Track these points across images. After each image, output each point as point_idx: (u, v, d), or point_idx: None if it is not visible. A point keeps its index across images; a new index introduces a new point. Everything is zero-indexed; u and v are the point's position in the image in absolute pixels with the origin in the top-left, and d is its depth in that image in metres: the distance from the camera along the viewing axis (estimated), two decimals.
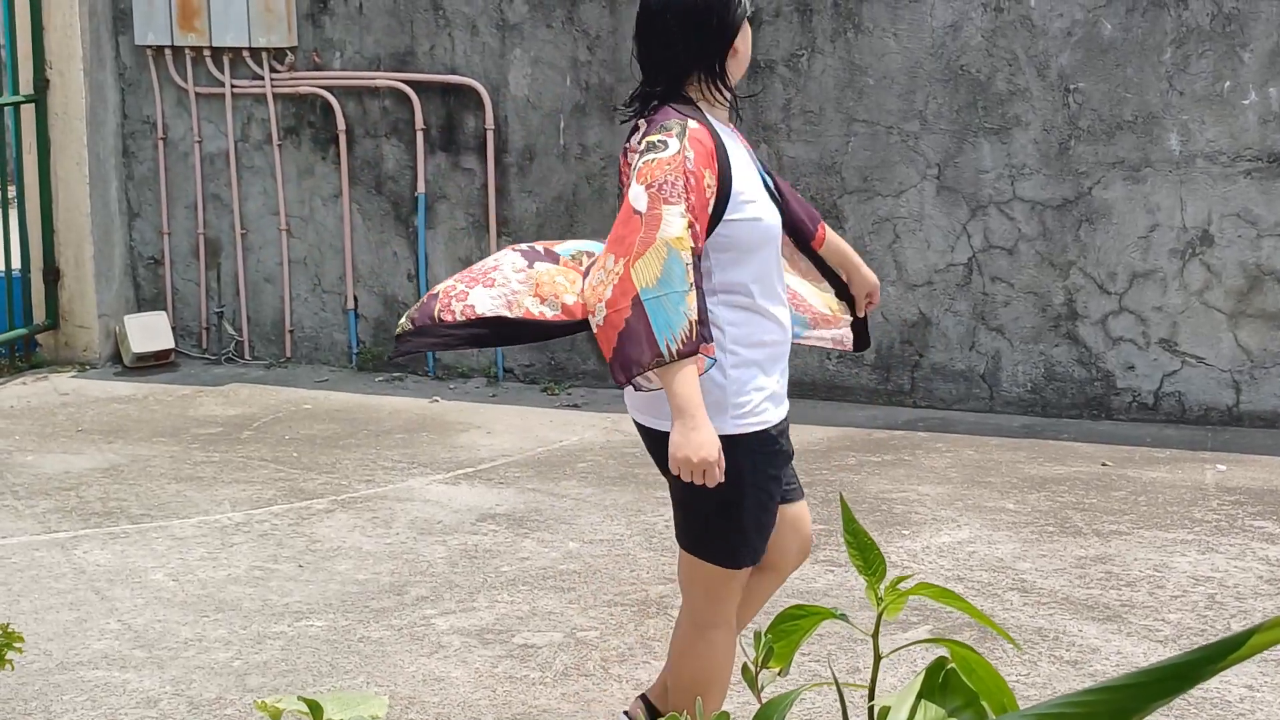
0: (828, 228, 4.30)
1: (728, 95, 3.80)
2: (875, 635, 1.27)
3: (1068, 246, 8.47)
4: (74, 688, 5.05)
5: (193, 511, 6.93)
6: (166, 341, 10.07)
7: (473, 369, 9.81)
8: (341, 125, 9.84)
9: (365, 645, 5.35)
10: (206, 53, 9.99)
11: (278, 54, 9.94)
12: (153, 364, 9.98)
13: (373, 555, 6.31)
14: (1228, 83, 8.12)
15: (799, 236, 4.18)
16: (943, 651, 1.22)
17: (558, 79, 9.45)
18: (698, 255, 3.57)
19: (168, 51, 10.07)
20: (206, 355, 10.37)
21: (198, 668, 5.17)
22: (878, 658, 1.28)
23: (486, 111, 9.53)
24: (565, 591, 5.85)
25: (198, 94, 10.13)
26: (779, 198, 3.99)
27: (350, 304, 10.05)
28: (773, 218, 3.81)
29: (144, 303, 10.46)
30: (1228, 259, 8.21)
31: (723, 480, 3.54)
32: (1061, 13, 8.36)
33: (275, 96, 9.98)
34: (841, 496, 1.23)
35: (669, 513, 6.82)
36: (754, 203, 3.74)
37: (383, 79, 9.73)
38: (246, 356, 10.33)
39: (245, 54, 9.94)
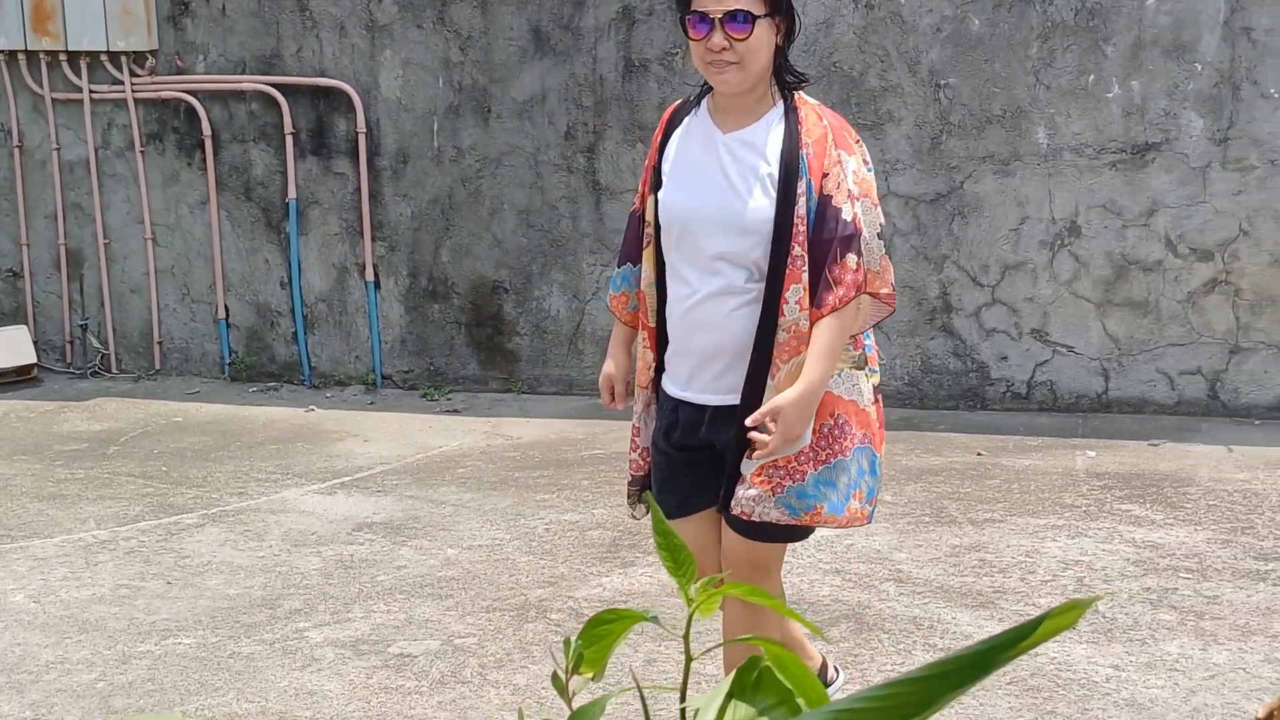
0: (835, 317, 3.72)
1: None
2: (686, 637, 1.23)
3: (941, 240, 8.53)
4: None
5: (55, 530, 6.76)
6: (28, 356, 9.85)
7: (350, 376, 9.70)
8: (207, 130, 9.68)
9: (236, 661, 5.24)
10: (63, 57, 9.80)
11: (138, 58, 9.77)
12: (14, 379, 9.76)
13: (244, 569, 6.20)
14: (1092, 76, 8.21)
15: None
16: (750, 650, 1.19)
17: (430, 80, 9.36)
18: (635, 211, 4.12)
19: (21, 56, 9.85)
20: (71, 369, 10.17)
21: (59, 691, 5.04)
22: (688, 660, 1.24)
23: (357, 114, 9.42)
24: (443, 599, 5.78)
25: (54, 100, 9.93)
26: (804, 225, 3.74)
27: (221, 313, 9.90)
28: (678, 206, 3.86)
29: (3, 316, 10.24)
30: (1095, 249, 8.30)
31: (608, 402, 4.22)
32: (931, 9, 8.41)
33: (136, 102, 9.81)
34: (649, 496, 1.18)
35: (549, 516, 6.81)
36: (665, 185, 3.92)
37: (249, 82, 9.59)
38: (113, 370, 10.15)
39: (104, 58, 9.75)
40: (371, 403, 9.29)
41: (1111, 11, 8.13)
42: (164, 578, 6.12)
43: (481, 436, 8.39)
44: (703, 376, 3.88)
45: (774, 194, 3.74)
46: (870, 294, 3.81)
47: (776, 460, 3.77)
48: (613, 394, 4.17)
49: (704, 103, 3.95)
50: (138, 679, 5.12)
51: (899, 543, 6.23)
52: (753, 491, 3.81)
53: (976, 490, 6.95)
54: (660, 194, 3.92)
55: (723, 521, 3.97)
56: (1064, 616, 0.90)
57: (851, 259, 3.71)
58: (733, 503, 3.86)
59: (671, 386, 3.97)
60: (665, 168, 3.94)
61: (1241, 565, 5.82)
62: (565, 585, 5.87)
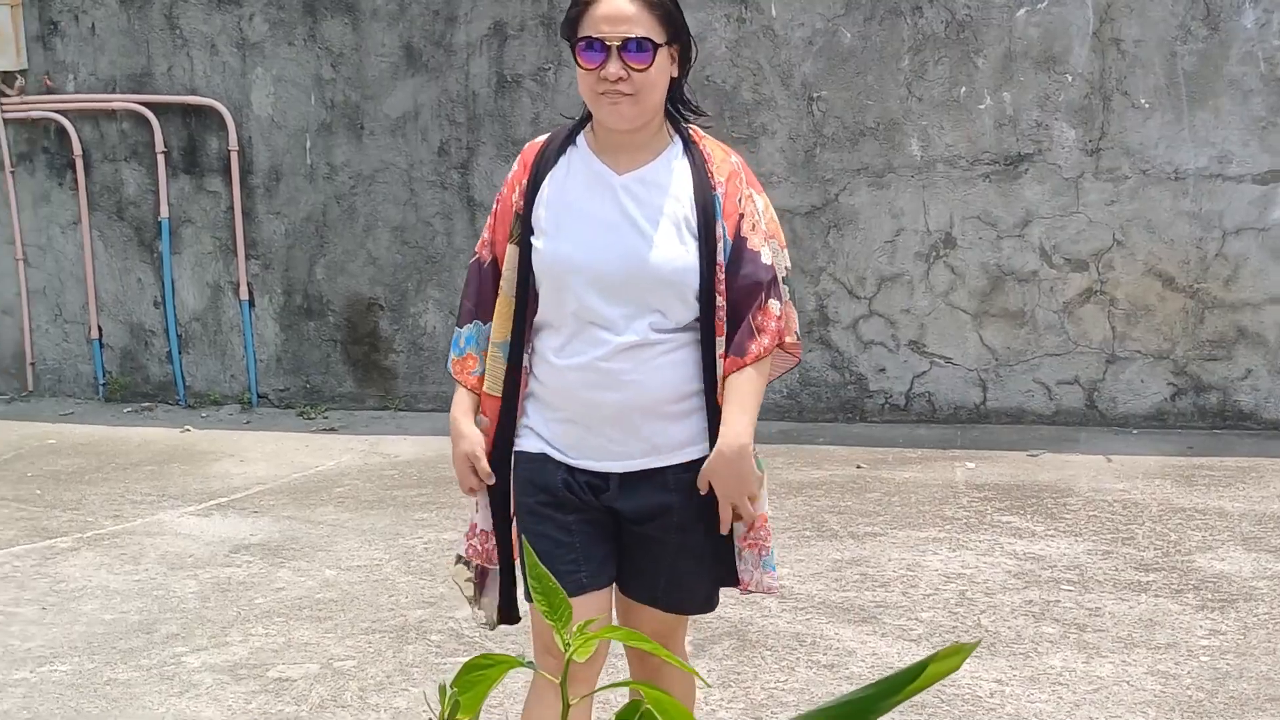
0: (756, 367, 3.40)
1: (594, 116, 3.45)
2: (563, 683, 1.21)
3: (817, 253, 8.57)
4: None
5: None
6: None
7: (226, 396, 9.57)
8: (78, 150, 9.53)
9: (112, 688, 5.14)
10: None
11: (7, 77, 9.59)
12: None
13: (120, 593, 6.08)
14: (964, 88, 8.30)
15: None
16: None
17: (302, 97, 9.27)
18: (482, 262, 3.58)
19: None
20: None
21: None
22: (565, 706, 1.22)
23: (230, 132, 9.31)
24: (321, 621, 5.70)
25: None
26: (726, 262, 3.37)
27: (94, 334, 9.74)
28: (568, 258, 3.36)
29: None
30: (970, 260, 8.38)
31: (475, 485, 3.60)
32: (802, 22, 8.46)
33: (6, 122, 9.64)
34: (523, 540, 1.16)
35: (428, 535, 6.74)
36: (546, 233, 3.42)
37: (119, 101, 9.45)
38: None
39: None
40: (247, 422, 9.16)
41: (982, 24, 8.23)
42: (39, 603, 5.99)
43: (359, 455, 8.31)
44: (597, 441, 3.43)
45: (693, 239, 3.36)
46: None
47: (754, 522, 3.47)
48: (477, 472, 3.57)
49: (580, 140, 3.49)
50: (13, 708, 5.00)
51: (780, 558, 6.23)
52: (746, 557, 3.50)
53: (857, 503, 6.97)
54: (540, 245, 3.41)
55: (631, 601, 3.56)
56: (949, 660, 0.89)
57: (774, 305, 3.40)
58: (740, 575, 3.51)
59: (553, 453, 3.48)
60: (540, 214, 3.44)
61: (1122, 576, 5.88)
62: (445, 606, 5.81)
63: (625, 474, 3.44)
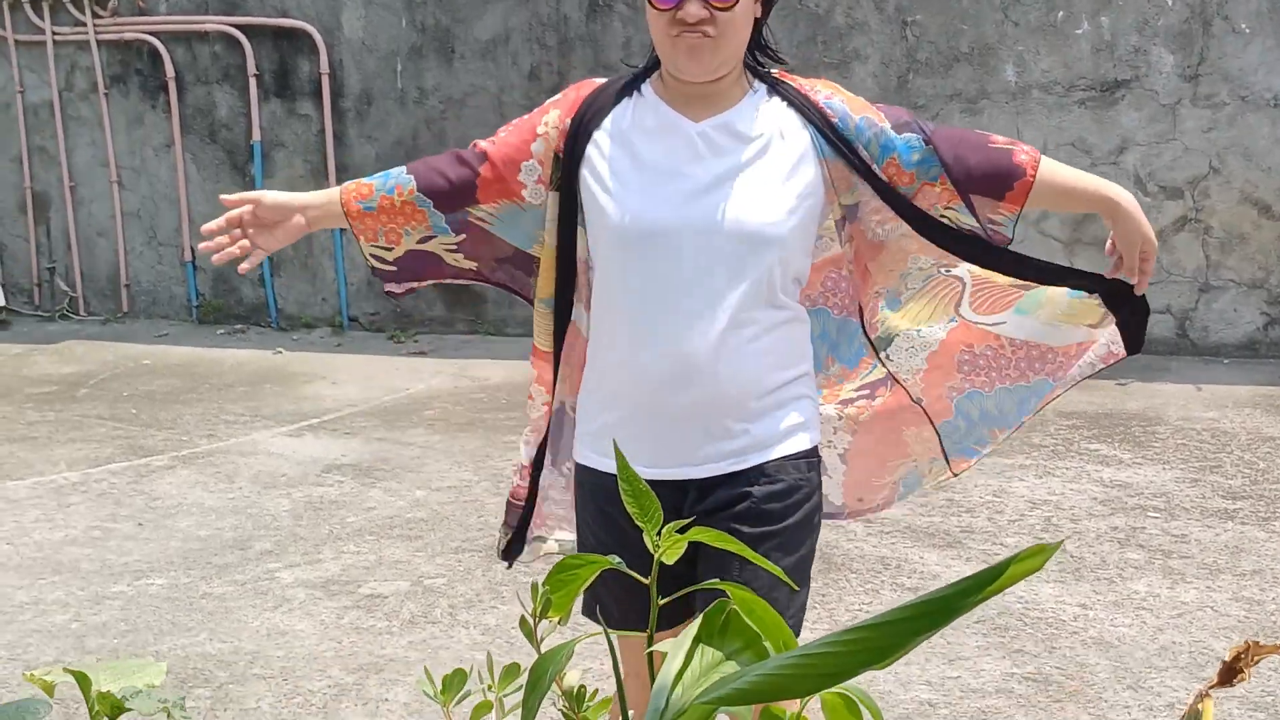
0: (1042, 169, 2.96)
1: (664, 64, 2.89)
2: (653, 583, 1.23)
3: None
4: None
5: (27, 473, 6.76)
6: None
7: (317, 319, 9.67)
8: (170, 72, 9.61)
9: (208, 601, 5.25)
10: None
11: None
12: None
13: (215, 510, 6.20)
14: (1061, 13, 8.19)
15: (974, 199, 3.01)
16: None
17: (393, 20, 9.30)
18: (478, 149, 3.01)
19: None
20: (40, 312, 10.14)
21: (34, 631, 5.04)
22: (654, 604, 1.25)
23: (321, 55, 9.35)
24: (412, 540, 5.79)
25: (17, 42, 9.84)
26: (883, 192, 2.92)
27: (188, 256, 9.86)
28: (637, 215, 2.84)
29: None
30: None
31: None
32: None
33: (100, 43, 9.73)
34: (615, 443, 1.19)
35: (517, 457, 6.78)
36: (611, 191, 2.88)
37: (212, 23, 9.51)
38: (81, 313, 10.11)
39: (66, 0, 9.67)
40: (339, 345, 9.26)
41: None
42: (135, 519, 6.12)
43: (449, 378, 8.38)
44: (674, 441, 2.89)
45: (785, 185, 2.85)
46: None
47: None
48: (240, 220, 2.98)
49: (646, 88, 2.95)
50: (111, 619, 5.12)
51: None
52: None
53: None
54: (606, 204, 2.87)
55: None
56: (1031, 560, 0.90)
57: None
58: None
59: (598, 460, 2.98)
60: (597, 168, 2.90)
61: (1210, 504, 5.86)
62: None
63: (707, 479, 2.91)
